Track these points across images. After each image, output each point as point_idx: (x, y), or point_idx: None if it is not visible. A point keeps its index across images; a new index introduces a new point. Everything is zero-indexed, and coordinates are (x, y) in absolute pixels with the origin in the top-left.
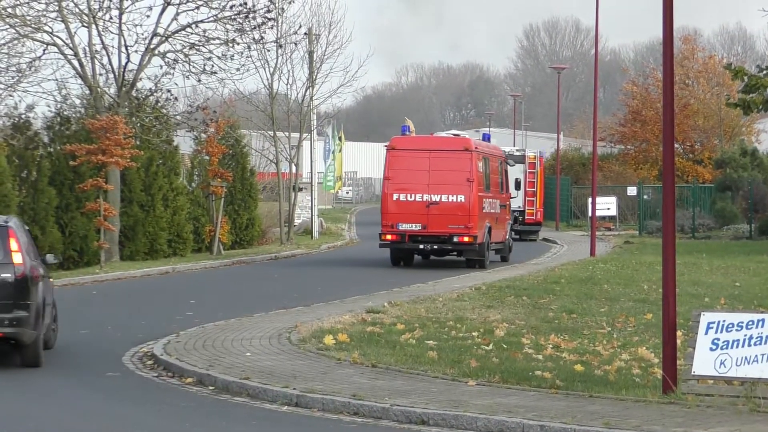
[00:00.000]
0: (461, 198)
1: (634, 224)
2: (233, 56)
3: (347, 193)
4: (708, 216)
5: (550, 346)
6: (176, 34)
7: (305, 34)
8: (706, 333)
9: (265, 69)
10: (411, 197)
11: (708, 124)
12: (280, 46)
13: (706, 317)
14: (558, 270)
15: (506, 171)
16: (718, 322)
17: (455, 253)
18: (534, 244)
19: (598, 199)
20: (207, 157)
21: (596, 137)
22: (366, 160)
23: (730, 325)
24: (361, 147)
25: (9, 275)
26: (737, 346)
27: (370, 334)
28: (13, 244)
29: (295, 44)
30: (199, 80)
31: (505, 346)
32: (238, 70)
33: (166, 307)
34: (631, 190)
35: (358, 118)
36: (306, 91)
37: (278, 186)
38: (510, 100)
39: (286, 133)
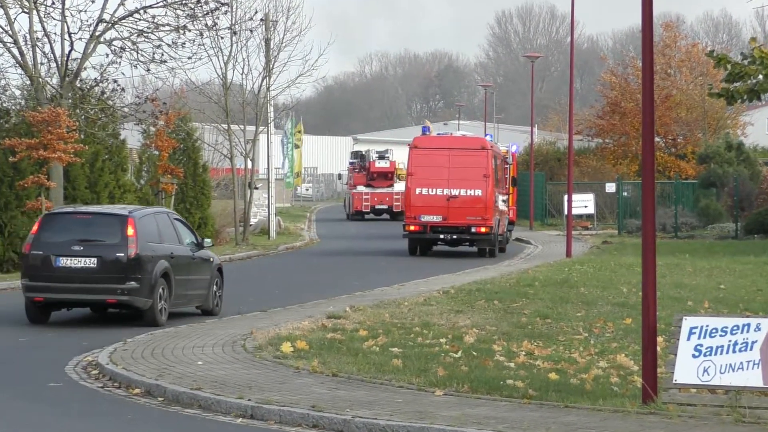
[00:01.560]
0: (479, 192)
1: (612, 223)
2: (184, 44)
3: (307, 190)
4: (691, 214)
5: (523, 353)
6: (123, 21)
7: (261, 20)
8: (689, 339)
9: (218, 57)
10: (432, 191)
11: (691, 117)
12: (235, 33)
13: (688, 322)
14: (532, 272)
15: (506, 168)
16: (701, 327)
17: (467, 243)
18: (506, 244)
19: (575, 197)
20: (156, 152)
21: (572, 130)
22: (327, 154)
23: (714, 331)
24: (322, 141)
25: (123, 254)
26: (721, 353)
27: (330, 341)
28: (129, 230)
29: (251, 31)
30: (148, 69)
31: (474, 353)
32: (189, 58)
33: (114, 313)
34: (610, 187)
35: (319, 110)
36: (262, 81)
37: (233, 183)
38: (481, 91)
39: (241, 126)
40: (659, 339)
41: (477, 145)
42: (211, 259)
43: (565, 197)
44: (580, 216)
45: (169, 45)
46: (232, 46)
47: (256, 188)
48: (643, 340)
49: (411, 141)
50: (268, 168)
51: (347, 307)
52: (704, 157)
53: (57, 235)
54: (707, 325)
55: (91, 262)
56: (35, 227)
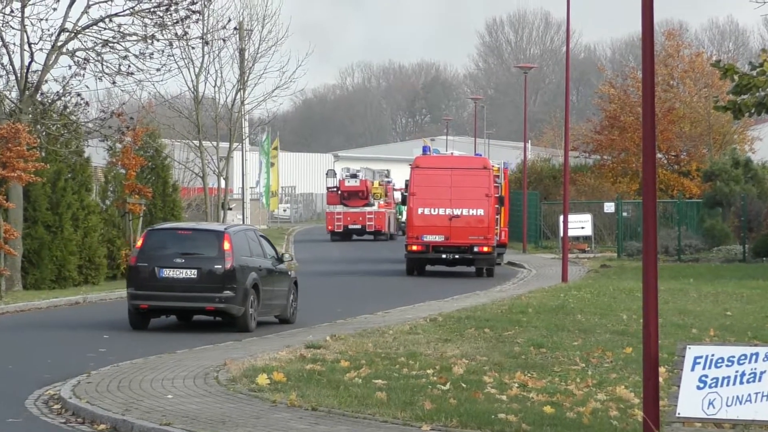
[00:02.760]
0: (481, 212)
1: (611, 245)
2: (152, 54)
3: (284, 211)
4: (695, 236)
5: (516, 385)
6: (87, 30)
7: (235, 29)
8: (693, 369)
9: (189, 69)
10: (434, 211)
11: (695, 131)
12: (207, 43)
13: (692, 351)
14: (525, 298)
15: (497, 187)
16: (707, 356)
17: (468, 263)
18: (498, 268)
19: (571, 217)
20: (123, 171)
21: (568, 146)
22: (306, 173)
23: (720, 360)
24: (300, 158)
25: (220, 266)
26: (728, 384)
27: (309, 373)
28: (226, 245)
29: (224, 40)
30: (114, 82)
31: (464, 385)
32: (158, 70)
33: (76, 344)
34: (609, 207)
35: (297, 125)
36: (236, 94)
37: (205, 203)
38: (470, 104)
39: (214, 143)
40: (661, 369)
41: (479, 164)
42: (290, 273)
43: (561, 218)
44: (577, 238)
45: (136, 56)
46: (203, 56)
47: (230, 209)
48: (644, 371)
49: (412, 160)
50: (242, 187)
51: (328, 336)
52: (709, 175)
53: (160, 248)
54: (713, 355)
55: (191, 273)
56: (140, 242)
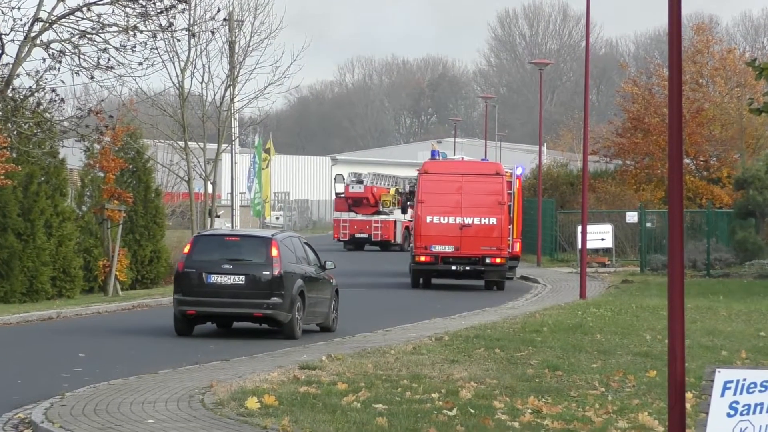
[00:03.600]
0: (493, 220)
1: (634, 259)
2: (134, 47)
3: (277, 218)
4: (726, 248)
5: (529, 410)
6: (63, 20)
7: (225, 19)
8: (723, 395)
9: (174, 63)
10: (444, 220)
11: (726, 134)
12: (194, 35)
13: (722, 375)
14: (539, 315)
15: (510, 195)
16: (738, 381)
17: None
18: (510, 283)
19: (590, 228)
20: (101, 174)
21: (587, 150)
22: (301, 177)
23: (753, 385)
24: (295, 162)
25: (268, 273)
26: (761, 411)
27: (303, 396)
28: (274, 251)
29: (212, 32)
30: (92, 77)
31: (472, 410)
32: (140, 64)
33: (49, 362)
34: (631, 216)
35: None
36: (225, 91)
37: (190, 210)
38: (480, 104)
39: (201, 144)
40: (688, 395)
41: (491, 170)
42: (332, 281)
43: (579, 228)
44: (596, 250)
45: (116, 48)
46: (190, 49)
47: (218, 216)
48: (669, 396)
49: (420, 166)
50: (231, 193)
51: (323, 356)
52: (742, 182)
53: (207, 254)
54: (744, 379)
55: (239, 279)
56: (187, 248)
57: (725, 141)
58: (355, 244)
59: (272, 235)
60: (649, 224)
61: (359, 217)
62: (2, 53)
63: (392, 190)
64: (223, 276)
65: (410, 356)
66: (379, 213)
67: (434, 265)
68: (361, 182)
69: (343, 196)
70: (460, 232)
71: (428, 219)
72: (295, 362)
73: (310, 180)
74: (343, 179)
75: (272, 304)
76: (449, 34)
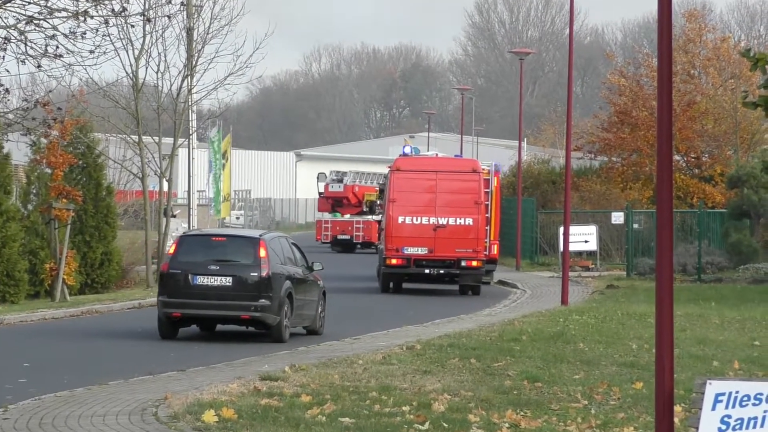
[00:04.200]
0: (469, 221)
1: (620, 262)
2: (85, 33)
3: (237, 218)
4: (719, 251)
5: (507, 425)
6: (7, 4)
7: (182, 4)
8: (714, 408)
9: (127, 51)
10: (417, 220)
11: (720, 129)
12: (149, 21)
13: (713, 387)
14: (518, 323)
15: (487, 193)
16: (730, 393)
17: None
18: (487, 288)
19: (573, 229)
20: (48, 170)
21: (570, 146)
22: (263, 174)
23: (746, 398)
24: (257, 157)
25: (256, 274)
26: (755, 426)
27: (264, 409)
28: (262, 252)
29: (169, 18)
30: (39, 66)
31: (446, 425)
32: (91, 52)
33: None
34: (617, 217)
35: (254, 118)
36: (183, 81)
37: (144, 209)
38: (456, 96)
39: (156, 138)
40: (677, 408)
41: (468, 167)
42: (319, 282)
43: (561, 229)
44: (580, 253)
45: (65, 35)
46: (144, 36)
47: (174, 216)
48: (656, 410)
49: (392, 163)
50: (189, 191)
51: (286, 366)
52: (735, 180)
53: (193, 255)
54: (737, 392)
55: (226, 281)
56: (172, 248)
57: (718, 136)
58: (342, 246)
59: (260, 235)
60: (636, 225)
61: (341, 218)
62: None
63: (378, 189)
64: (209, 277)
65: (379, 366)
66: (362, 213)
67: (406, 268)
68: (340, 181)
69: (324, 195)
70: (434, 234)
71: (400, 219)
72: (255, 373)
73: (272, 177)
74: (326, 177)
75: (260, 306)
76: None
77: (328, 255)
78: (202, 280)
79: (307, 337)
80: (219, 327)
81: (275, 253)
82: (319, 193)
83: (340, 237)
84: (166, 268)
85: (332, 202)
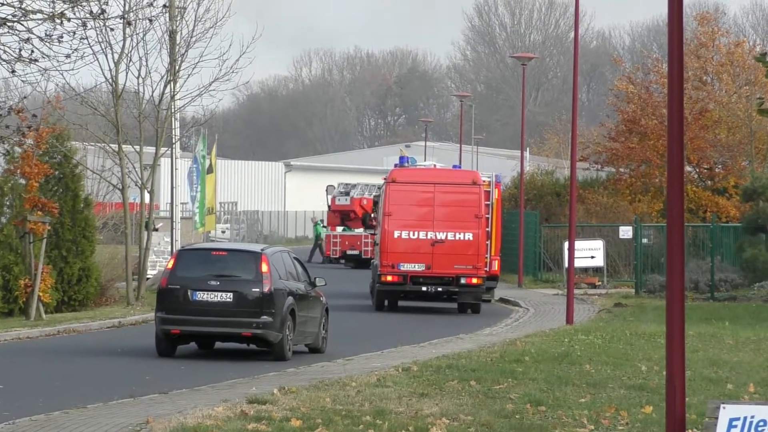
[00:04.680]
0: (469, 236)
1: (628, 279)
2: (62, 37)
3: (223, 232)
4: (733, 268)
5: None
6: None
7: (164, 6)
8: None
9: (107, 56)
10: (414, 235)
11: (734, 139)
12: (129, 24)
13: (727, 411)
14: (520, 343)
15: (487, 206)
16: (745, 418)
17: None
18: (487, 306)
19: (578, 244)
20: (23, 181)
21: (575, 156)
22: (250, 186)
23: (762, 423)
24: (244, 168)
25: (257, 290)
26: None
27: None
28: (264, 267)
29: (150, 21)
30: (13, 71)
31: None
32: (68, 56)
33: None
34: (625, 231)
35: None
36: (165, 87)
37: (125, 223)
38: (455, 103)
39: (137, 148)
40: None
41: (467, 179)
42: (322, 298)
43: (566, 244)
44: (586, 270)
45: (41, 38)
46: (125, 40)
47: (155, 230)
48: None
49: (388, 174)
50: (171, 203)
51: (275, 388)
52: (751, 193)
53: (193, 270)
54: (753, 416)
55: (227, 297)
56: (171, 263)
57: (732, 146)
58: (355, 262)
59: (262, 250)
60: (645, 240)
61: (350, 232)
62: None
63: (372, 202)
64: (209, 293)
65: (374, 389)
66: (370, 227)
67: (402, 285)
68: (347, 194)
69: (331, 209)
70: (432, 249)
71: (396, 234)
72: (242, 395)
73: (260, 189)
74: (334, 190)
75: (262, 323)
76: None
77: (338, 271)
78: (202, 296)
79: (309, 355)
80: (217, 345)
81: (277, 268)
82: (328, 207)
83: (349, 252)
84: (165, 283)
85: (340, 216)
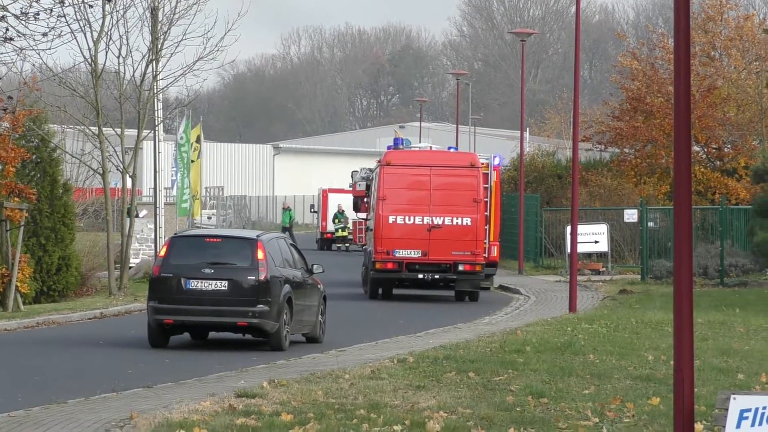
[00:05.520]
0: (467, 221)
1: (634, 265)
2: (38, 14)
3: (209, 218)
4: (743, 252)
5: None
6: None
7: None
8: (739, 425)
9: (85, 34)
10: (410, 220)
11: (743, 117)
12: (109, 1)
13: (738, 402)
14: (521, 333)
15: (486, 189)
16: (756, 409)
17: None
18: (486, 294)
19: (581, 228)
20: None
21: (577, 136)
22: (237, 170)
23: None
24: (230, 151)
25: (253, 278)
26: None
27: (241, 429)
28: (260, 254)
29: None
30: None
31: None
32: (45, 35)
33: None
34: (630, 215)
35: (227, 107)
36: (147, 66)
37: (106, 209)
38: (451, 81)
39: (118, 130)
40: (698, 426)
41: (465, 161)
42: (319, 286)
43: (568, 229)
44: (589, 255)
45: (16, 16)
46: (104, 17)
47: (138, 216)
48: (675, 428)
49: (381, 156)
50: (155, 188)
51: (265, 381)
52: (762, 174)
53: (186, 257)
54: (765, 408)
55: (222, 285)
56: (163, 250)
57: (742, 125)
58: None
59: (257, 236)
60: (651, 224)
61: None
62: None
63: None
64: (203, 281)
65: (368, 381)
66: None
67: (397, 272)
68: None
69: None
70: (428, 235)
71: (391, 219)
72: (230, 389)
73: (247, 173)
74: (357, 174)
75: (258, 312)
76: None
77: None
78: (196, 285)
79: (301, 346)
80: (210, 335)
81: (273, 255)
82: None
83: None
84: (157, 272)
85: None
